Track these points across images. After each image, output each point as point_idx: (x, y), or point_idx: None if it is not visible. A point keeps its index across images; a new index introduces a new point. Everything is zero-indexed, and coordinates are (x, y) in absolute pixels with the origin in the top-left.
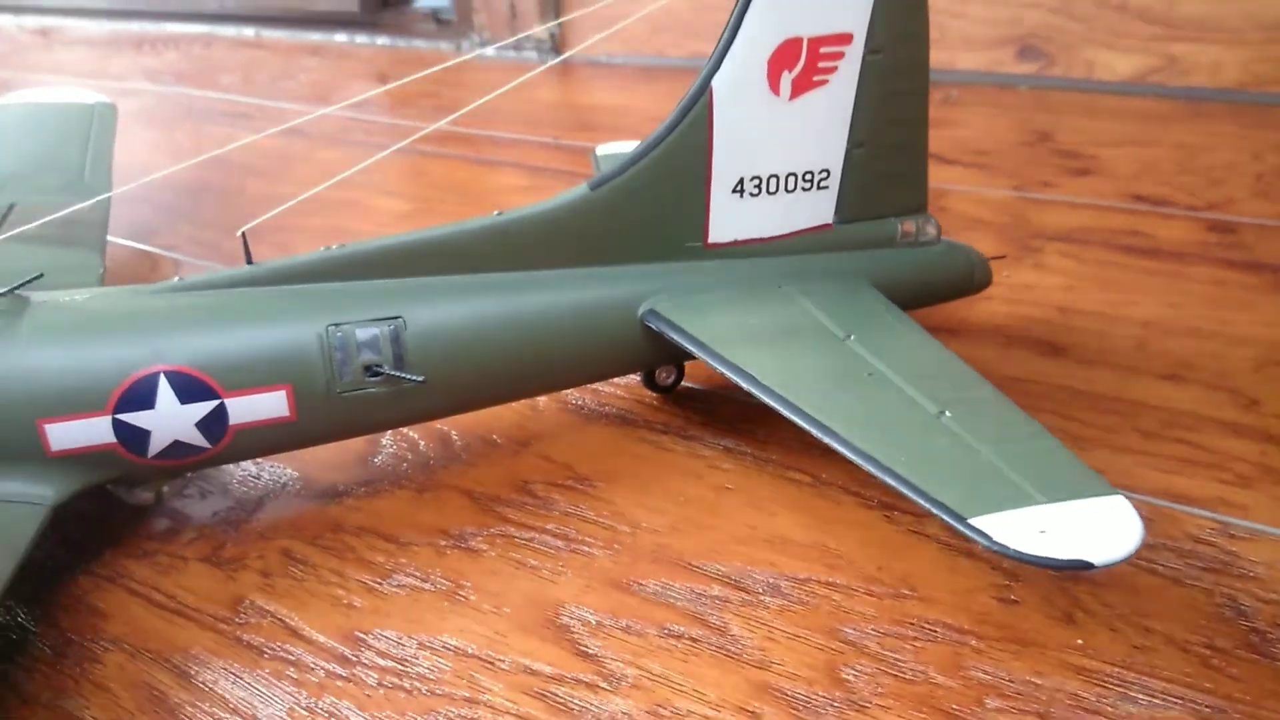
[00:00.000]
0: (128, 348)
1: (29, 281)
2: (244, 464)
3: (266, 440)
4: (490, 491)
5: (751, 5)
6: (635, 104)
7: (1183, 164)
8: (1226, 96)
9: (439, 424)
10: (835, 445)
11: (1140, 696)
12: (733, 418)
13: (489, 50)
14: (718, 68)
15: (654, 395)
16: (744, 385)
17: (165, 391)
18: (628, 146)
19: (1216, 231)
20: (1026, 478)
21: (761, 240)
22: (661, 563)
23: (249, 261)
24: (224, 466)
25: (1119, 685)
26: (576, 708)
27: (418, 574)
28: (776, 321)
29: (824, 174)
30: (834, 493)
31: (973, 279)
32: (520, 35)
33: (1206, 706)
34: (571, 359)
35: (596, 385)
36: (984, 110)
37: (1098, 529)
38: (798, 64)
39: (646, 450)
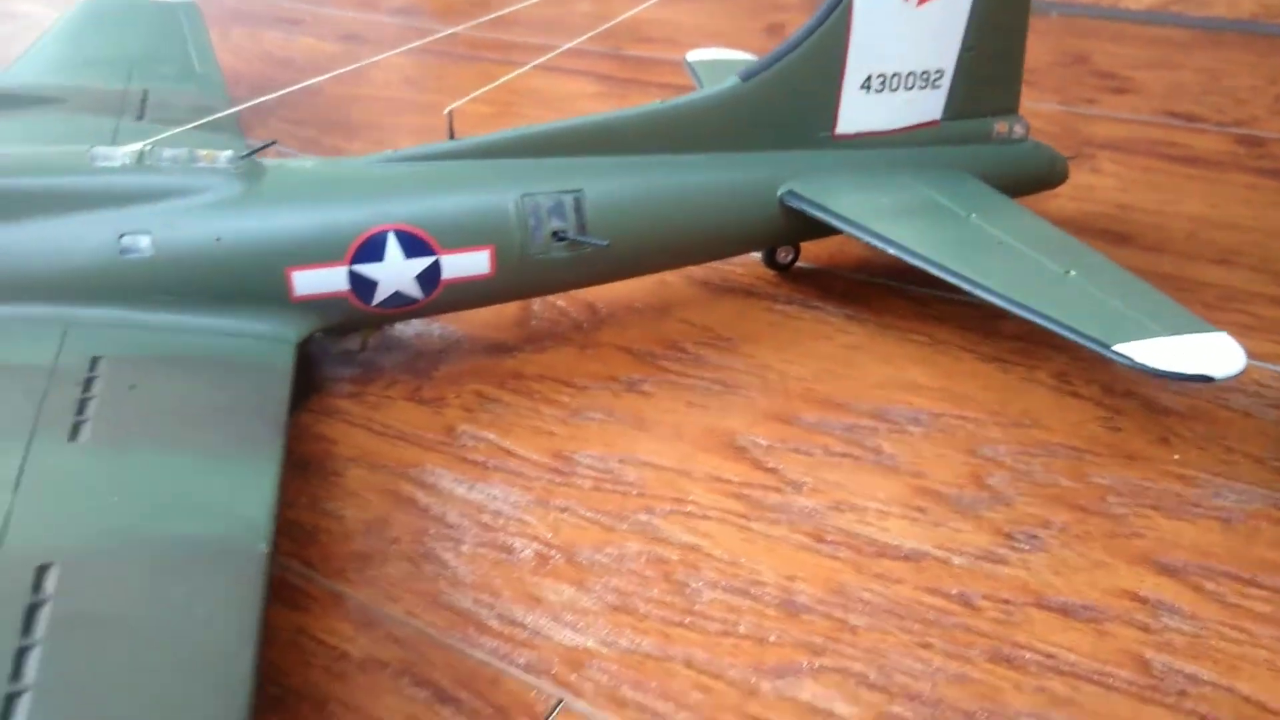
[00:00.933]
0: (361, 207)
1: (263, 147)
2: (419, 324)
3: (467, 295)
4: (645, 348)
5: None
6: (678, 17)
7: (1207, 86)
8: (1242, 27)
9: (585, 294)
10: (988, 296)
11: (1229, 494)
12: (846, 292)
13: None
14: None
15: (772, 273)
16: (893, 252)
17: (394, 247)
18: (720, 54)
19: (1245, 145)
20: (1148, 318)
21: (880, 133)
22: (812, 402)
23: (451, 137)
24: (399, 327)
25: (1212, 487)
26: (770, 504)
27: (601, 410)
28: (904, 202)
29: (938, 74)
30: (952, 350)
31: (1054, 174)
32: None
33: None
34: (720, 231)
35: (718, 264)
36: None
37: (1210, 354)
38: None
39: (776, 318)
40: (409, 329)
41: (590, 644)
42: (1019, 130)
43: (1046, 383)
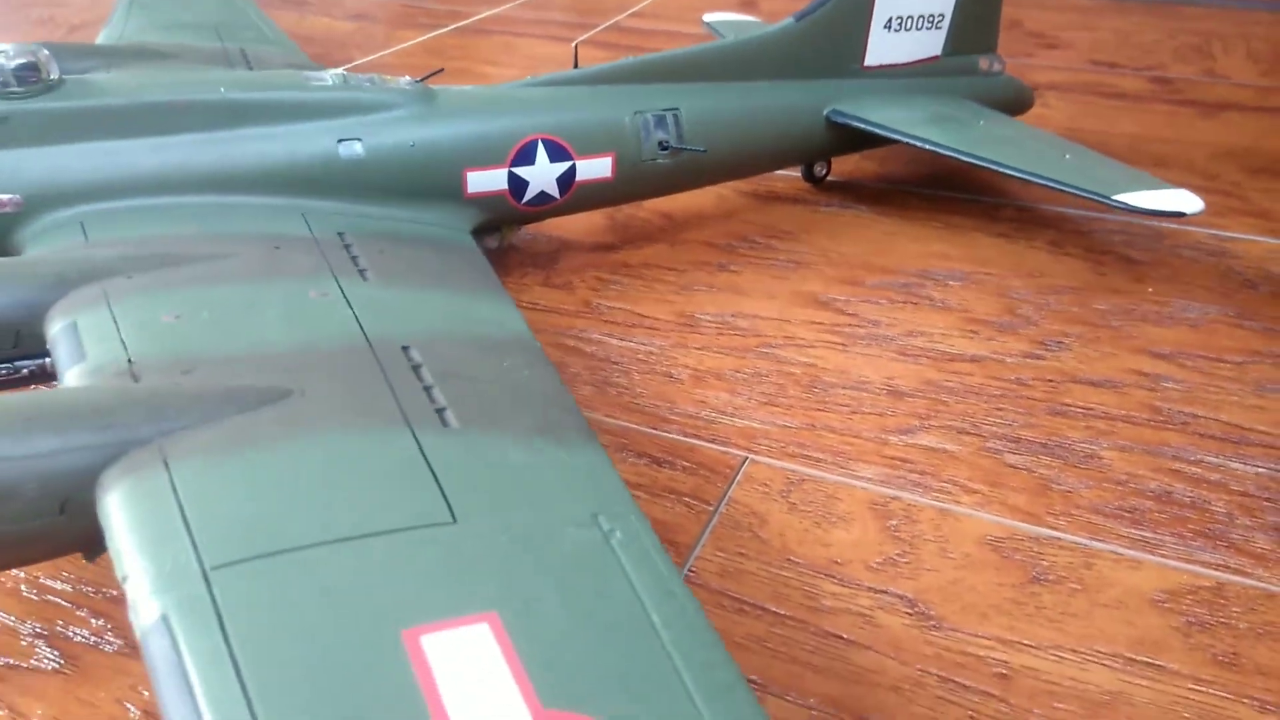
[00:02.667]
0: (516, 120)
1: (432, 75)
2: (533, 231)
3: (592, 196)
4: (724, 241)
5: None
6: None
7: (1121, 42)
8: None
9: (661, 207)
10: (1013, 173)
11: (1192, 309)
12: (871, 196)
13: None
14: None
15: (809, 185)
16: (928, 148)
17: (542, 152)
18: (731, 16)
19: (1158, 84)
20: (1131, 181)
21: (898, 65)
22: (868, 269)
23: (575, 66)
24: (521, 233)
25: (1179, 305)
26: (859, 335)
27: (703, 284)
28: (925, 114)
29: (940, 17)
30: (966, 231)
31: (1023, 101)
32: None
33: (1228, 311)
34: (779, 143)
35: (764, 180)
36: None
37: (1179, 201)
38: None
39: (821, 217)
40: (526, 236)
41: (755, 425)
42: (997, 66)
43: (1044, 248)
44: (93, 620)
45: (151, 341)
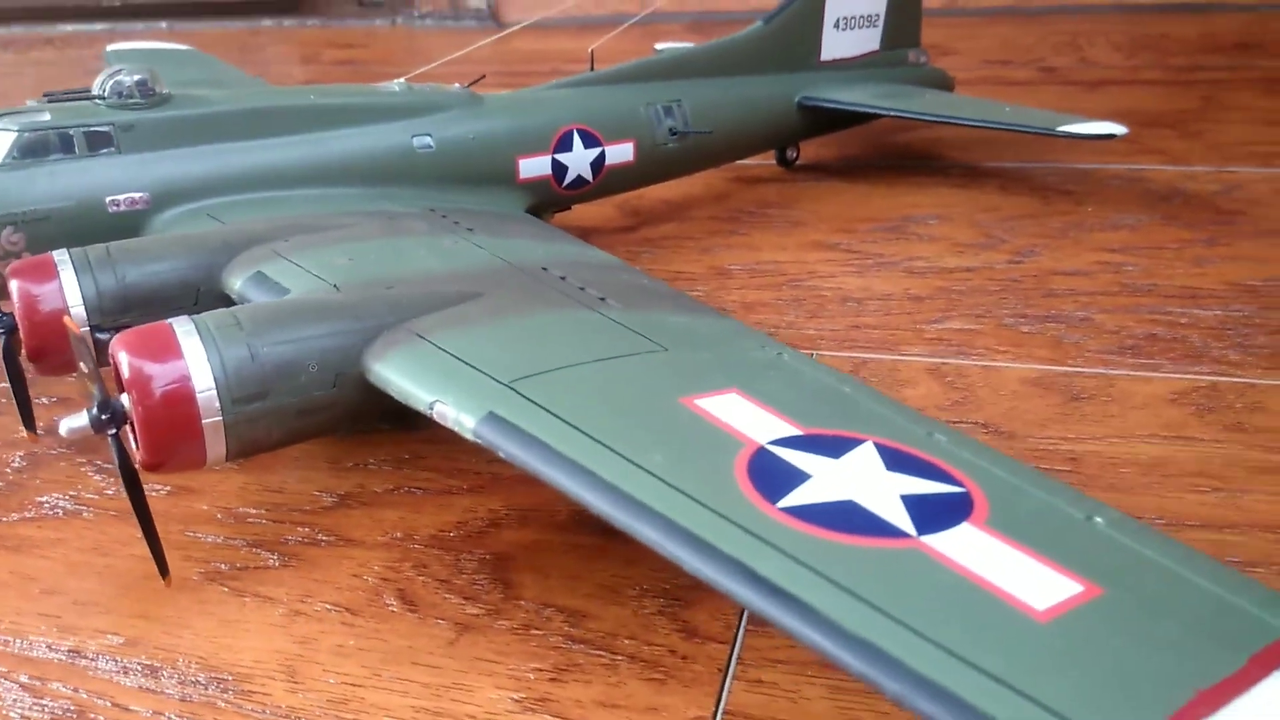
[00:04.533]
0: (554, 113)
1: (476, 81)
2: (557, 220)
3: (616, 179)
4: (726, 215)
5: None
6: (564, 48)
7: (1005, 45)
8: (1011, 10)
9: (659, 194)
10: (972, 124)
11: (1129, 218)
12: (838, 171)
13: (428, 22)
14: None
15: (782, 170)
16: (899, 115)
17: (577, 140)
18: (683, 44)
19: (1043, 72)
20: (1064, 120)
21: (846, 59)
22: (858, 220)
23: (591, 69)
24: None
25: (1118, 217)
26: (869, 265)
27: (720, 246)
28: (882, 92)
29: (875, 16)
30: (927, 187)
31: (947, 85)
32: (462, 9)
33: (1156, 217)
34: (763, 128)
35: (744, 166)
36: None
37: (1107, 127)
38: None
39: (802, 190)
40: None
41: (810, 332)
42: (923, 58)
43: (995, 192)
44: (298, 528)
45: (342, 274)
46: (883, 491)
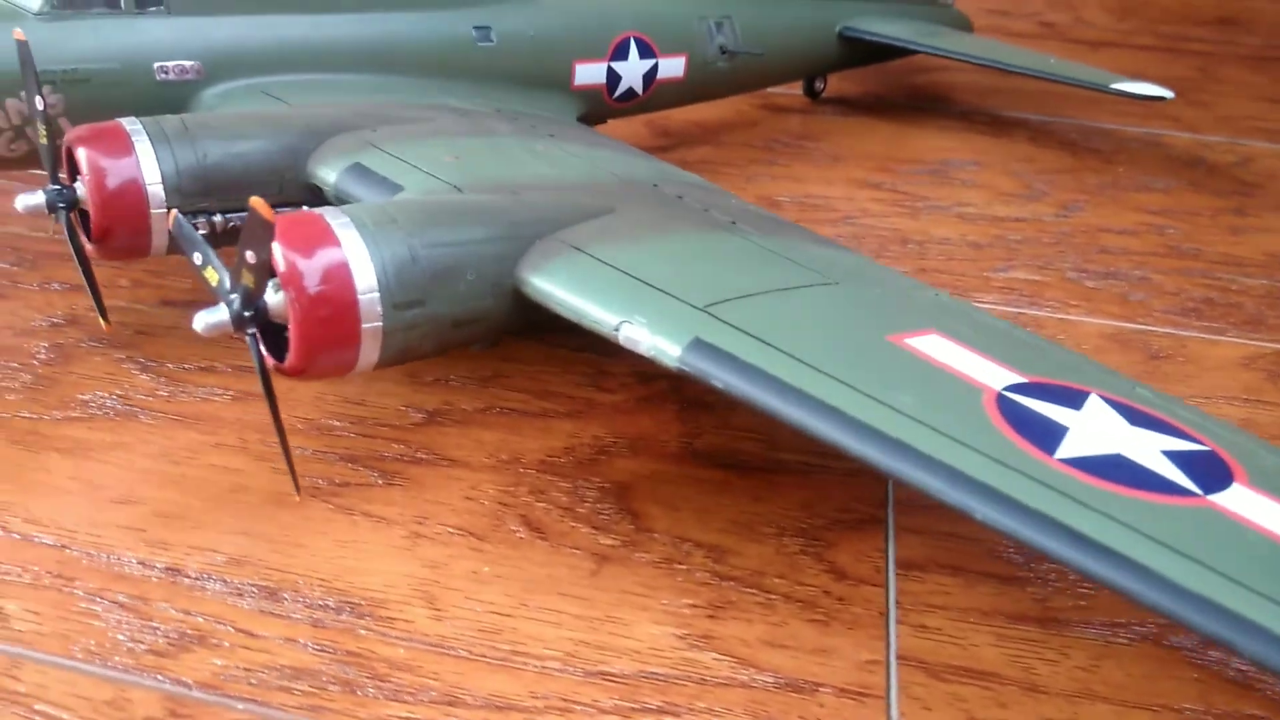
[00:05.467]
0: (612, 18)
1: None
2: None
3: (663, 96)
4: (760, 143)
5: None
6: None
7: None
8: None
9: (687, 116)
10: (1022, 70)
11: (1157, 180)
12: (867, 108)
13: None
14: None
15: (808, 101)
16: (945, 54)
17: (633, 49)
18: None
19: (1044, 27)
20: (1114, 76)
21: None
22: (897, 161)
23: None
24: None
25: (1146, 179)
26: (919, 208)
27: (764, 175)
28: (924, 30)
29: None
30: (958, 131)
31: (968, 28)
32: None
33: (1183, 181)
34: (806, 53)
35: (773, 95)
36: None
37: (1154, 90)
38: None
39: (833, 124)
40: None
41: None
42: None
43: (1025, 142)
44: (392, 445)
45: (457, 174)
46: (1143, 447)
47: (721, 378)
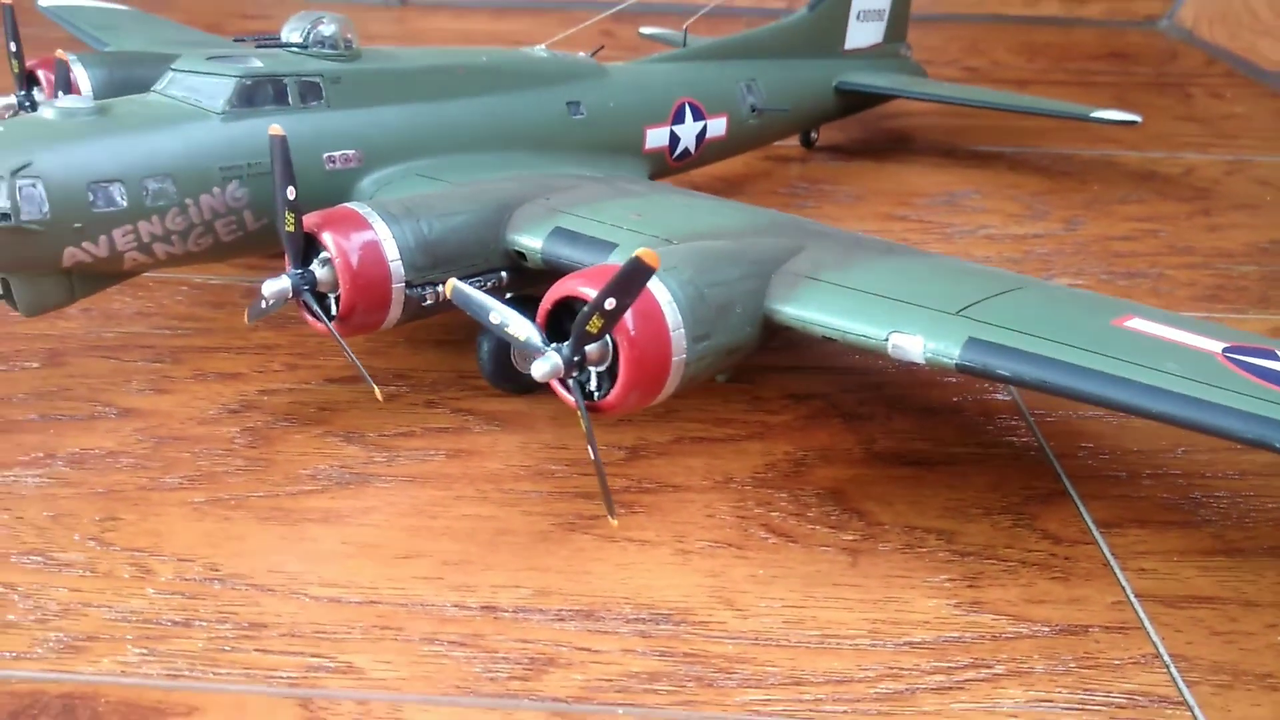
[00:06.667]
0: (669, 86)
1: (597, 51)
2: None
3: (711, 152)
4: (783, 190)
5: None
6: (475, 29)
7: (919, 47)
8: None
9: (710, 172)
10: (1007, 107)
11: (1130, 194)
12: (862, 153)
13: None
14: None
15: (804, 150)
16: (935, 99)
17: (688, 113)
18: (665, 30)
19: (967, 71)
20: (1094, 108)
21: (862, 49)
22: (910, 195)
23: (685, 45)
24: None
25: (1119, 191)
26: (948, 234)
27: (795, 211)
28: (906, 79)
29: (882, 11)
30: (948, 167)
31: (923, 75)
32: None
33: (1145, 194)
34: (812, 106)
35: (770, 150)
36: None
37: (1128, 114)
38: None
39: (839, 169)
40: None
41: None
42: (907, 52)
43: (1007, 171)
44: (616, 479)
45: (655, 228)
46: None
47: (1008, 367)
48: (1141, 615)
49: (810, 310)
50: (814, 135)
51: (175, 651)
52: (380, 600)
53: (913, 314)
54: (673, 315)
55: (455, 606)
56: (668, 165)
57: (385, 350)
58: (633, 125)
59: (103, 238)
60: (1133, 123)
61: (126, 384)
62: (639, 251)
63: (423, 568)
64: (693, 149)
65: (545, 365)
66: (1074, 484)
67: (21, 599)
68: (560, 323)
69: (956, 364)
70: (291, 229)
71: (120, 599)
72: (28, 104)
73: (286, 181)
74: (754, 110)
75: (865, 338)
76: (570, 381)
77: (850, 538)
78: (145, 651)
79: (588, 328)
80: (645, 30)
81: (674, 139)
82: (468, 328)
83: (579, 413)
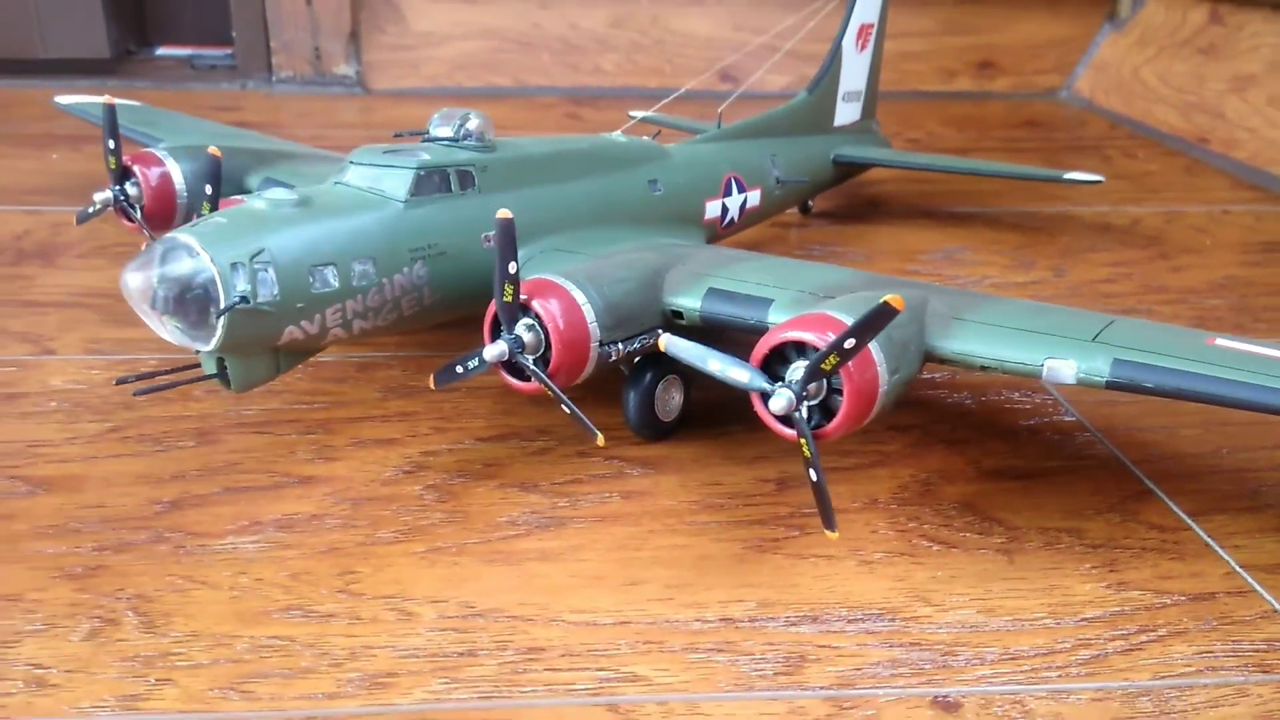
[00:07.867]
0: (718, 163)
1: (657, 134)
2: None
3: (748, 219)
4: (799, 252)
5: (854, 8)
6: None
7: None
8: None
9: (737, 238)
10: (988, 173)
11: (1097, 244)
12: (854, 218)
13: (290, 86)
14: (843, 34)
15: (801, 217)
16: (919, 167)
17: (734, 186)
18: (660, 115)
19: (911, 143)
20: (1065, 170)
21: (846, 126)
22: (911, 252)
23: (719, 126)
24: None
25: (1084, 241)
26: (956, 283)
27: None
28: (889, 152)
29: (860, 92)
30: (933, 226)
31: (890, 145)
32: (329, 73)
33: (1109, 243)
34: (815, 177)
35: (775, 217)
36: None
37: (1092, 176)
38: (863, 36)
39: (840, 232)
40: None
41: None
42: (877, 127)
43: (985, 229)
44: (779, 508)
45: (795, 284)
46: None
47: (1153, 380)
48: (1251, 581)
49: (971, 344)
50: (810, 203)
51: (475, 678)
52: (630, 620)
53: (1054, 344)
54: (878, 354)
55: (697, 620)
56: (718, 232)
57: (518, 410)
58: (696, 199)
59: (317, 316)
60: (1097, 182)
61: (292, 455)
62: (888, 297)
63: (651, 591)
64: (736, 218)
65: (782, 400)
66: (1156, 484)
67: (304, 648)
68: (768, 365)
69: (1107, 381)
70: (509, 300)
71: (398, 639)
72: (123, 198)
73: (509, 257)
74: (778, 182)
75: (1022, 364)
76: (797, 413)
77: (998, 540)
78: (448, 680)
79: (822, 365)
80: (634, 114)
81: (724, 210)
82: (585, 385)
83: (802, 439)
